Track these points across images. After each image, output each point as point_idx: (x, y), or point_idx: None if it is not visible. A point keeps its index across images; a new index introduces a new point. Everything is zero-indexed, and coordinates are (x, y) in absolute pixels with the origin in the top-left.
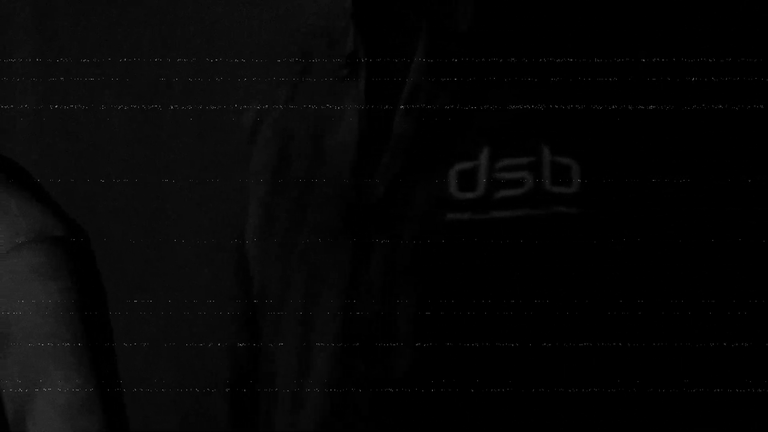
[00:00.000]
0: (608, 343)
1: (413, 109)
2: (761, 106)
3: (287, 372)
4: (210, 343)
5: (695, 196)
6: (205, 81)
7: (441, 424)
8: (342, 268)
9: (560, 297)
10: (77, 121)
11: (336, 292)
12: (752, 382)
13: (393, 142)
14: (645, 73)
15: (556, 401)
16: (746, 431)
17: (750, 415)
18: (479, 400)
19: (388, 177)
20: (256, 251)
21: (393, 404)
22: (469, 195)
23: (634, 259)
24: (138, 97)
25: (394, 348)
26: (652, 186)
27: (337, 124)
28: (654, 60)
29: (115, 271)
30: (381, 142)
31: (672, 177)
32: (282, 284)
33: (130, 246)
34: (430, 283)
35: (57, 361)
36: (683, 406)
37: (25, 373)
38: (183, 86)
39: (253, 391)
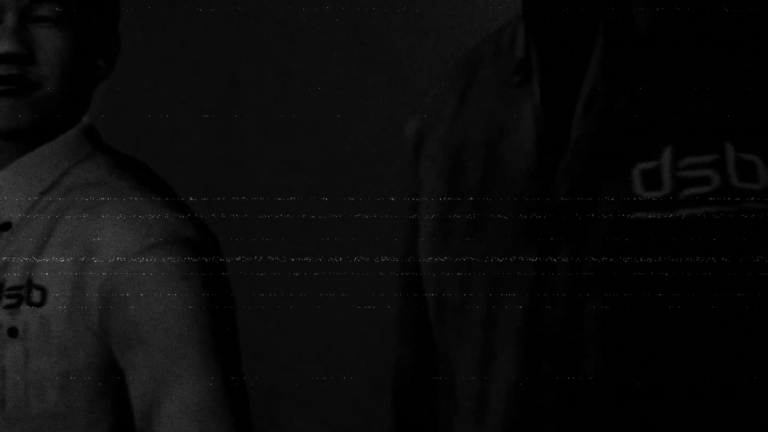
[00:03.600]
0: None
1: (592, 111)
2: None
3: (469, 377)
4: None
5: None
6: (367, 91)
7: (629, 424)
8: (525, 272)
9: (751, 294)
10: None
11: (520, 296)
12: None
13: (573, 145)
14: None
15: (746, 400)
16: None
17: None
18: (667, 399)
19: (569, 179)
20: (433, 259)
21: (581, 405)
22: (655, 194)
23: None
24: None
25: (581, 349)
26: None
27: (511, 130)
28: None
29: (282, 283)
30: (559, 146)
31: None
32: (462, 290)
33: (303, 260)
34: (616, 282)
35: (187, 363)
36: None
37: (154, 375)
38: (341, 99)
39: (420, 397)
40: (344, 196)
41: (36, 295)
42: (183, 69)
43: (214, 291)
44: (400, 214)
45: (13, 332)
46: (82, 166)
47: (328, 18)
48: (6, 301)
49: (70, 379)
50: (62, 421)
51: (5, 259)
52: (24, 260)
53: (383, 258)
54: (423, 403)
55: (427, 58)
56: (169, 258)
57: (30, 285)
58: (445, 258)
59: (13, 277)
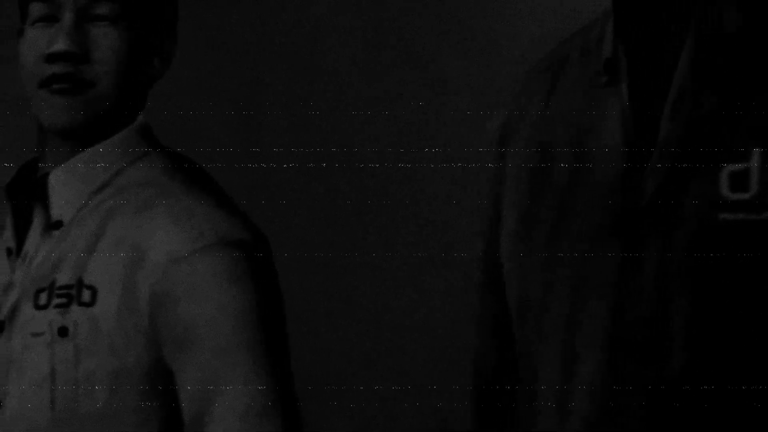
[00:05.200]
0: None
1: (681, 112)
2: None
3: (551, 376)
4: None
5: None
6: (392, 88)
7: (715, 424)
8: (610, 272)
9: None
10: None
11: (604, 295)
12: None
13: (660, 146)
14: None
15: None
16: None
17: None
18: (753, 399)
19: (657, 180)
20: (515, 257)
21: (666, 406)
22: (742, 196)
23: None
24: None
25: (667, 349)
26: None
27: (598, 130)
28: None
29: (353, 280)
30: (647, 146)
31: None
32: (544, 289)
33: (376, 256)
34: (703, 282)
35: (238, 365)
36: None
37: (205, 376)
38: (422, 95)
39: (500, 396)
40: (369, 195)
41: (86, 295)
42: (207, 66)
43: (265, 293)
44: (420, 214)
45: (63, 332)
46: (135, 166)
47: (354, 14)
48: (57, 300)
49: (120, 380)
50: (111, 420)
51: (56, 258)
52: (75, 259)
53: (387, 254)
54: (503, 403)
55: (447, 58)
56: (220, 260)
57: (81, 284)
58: (528, 257)
59: (64, 276)
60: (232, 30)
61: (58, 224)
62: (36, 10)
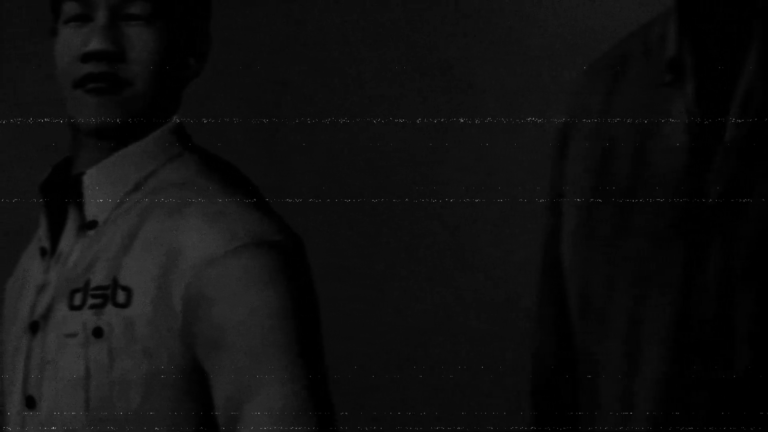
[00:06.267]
0: None
1: (747, 112)
2: None
3: (613, 372)
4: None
5: None
6: (475, 90)
7: None
8: (673, 270)
9: None
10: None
11: (668, 293)
12: None
13: (726, 146)
14: None
15: None
16: None
17: None
18: None
19: (722, 179)
20: (576, 254)
21: (731, 404)
22: None
23: None
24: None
25: (731, 348)
26: None
27: (662, 129)
28: None
29: (405, 276)
30: (712, 146)
31: None
32: (607, 286)
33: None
34: (767, 282)
35: (272, 366)
36: None
37: (239, 378)
38: (447, 98)
39: (560, 393)
40: (393, 197)
41: (121, 296)
42: (232, 69)
43: (299, 294)
44: (443, 218)
45: (98, 333)
46: (169, 166)
47: (378, 16)
48: (91, 301)
49: (154, 381)
50: (146, 422)
51: (91, 258)
52: (110, 260)
53: (410, 257)
54: (563, 399)
55: (464, 60)
56: (254, 261)
57: (116, 285)
58: (591, 253)
59: (98, 277)
60: (255, 32)
61: (93, 224)
62: (69, 9)
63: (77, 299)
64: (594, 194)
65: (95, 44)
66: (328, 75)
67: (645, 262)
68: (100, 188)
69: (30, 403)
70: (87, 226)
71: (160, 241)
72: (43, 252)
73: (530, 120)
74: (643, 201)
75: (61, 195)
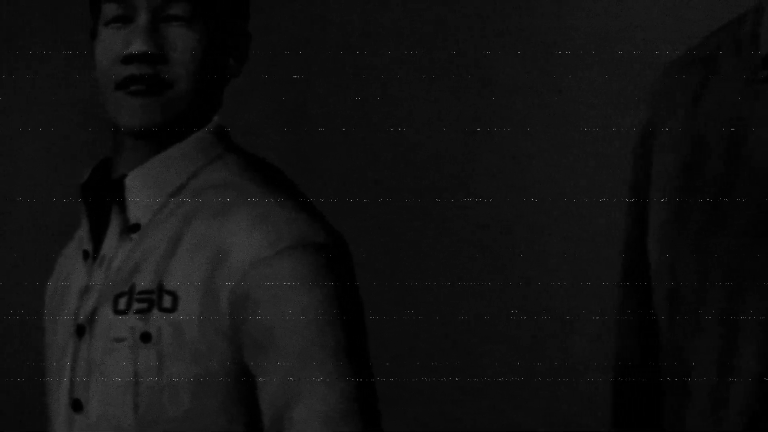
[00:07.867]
0: None
1: None
2: None
3: (706, 369)
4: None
5: None
6: (500, 88)
7: None
8: None
9: None
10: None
11: (763, 290)
12: None
13: None
14: None
15: None
16: None
17: None
18: None
19: None
20: (667, 248)
21: None
22: None
23: None
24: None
25: None
26: None
27: (757, 125)
28: None
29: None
30: None
31: None
32: (699, 282)
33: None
34: None
35: (318, 368)
36: None
37: (286, 379)
38: (472, 96)
39: (642, 391)
40: (421, 197)
41: (167, 301)
42: (256, 77)
43: (345, 295)
44: (474, 219)
45: (146, 337)
46: (211, 168)
47: (403, 15)
48: (137, 305)
49: (204, 384)
50: (195, 423)
51: (135, 262)
52: (154, 263)
53: (442, 256)
54: (645, 398)
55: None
56: (300, 262)
57: (161, 289)
58: (682, 248)
59: (143, 281)
60: (280, 31)
61: (136, 227)
62: (110, 10)
63: (122, 303)
64: (685, 191)
65: (137, 46)
66: (353, 74)
67: (739, 258)
68: (142, 190)
69: (77, 406)
70: (130, 229)
71: (206, 243)
72: (85, 255)
73: (557, 121)
74: (737, 196)
75: (102, 197)
